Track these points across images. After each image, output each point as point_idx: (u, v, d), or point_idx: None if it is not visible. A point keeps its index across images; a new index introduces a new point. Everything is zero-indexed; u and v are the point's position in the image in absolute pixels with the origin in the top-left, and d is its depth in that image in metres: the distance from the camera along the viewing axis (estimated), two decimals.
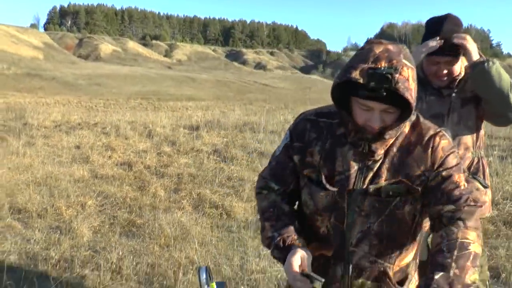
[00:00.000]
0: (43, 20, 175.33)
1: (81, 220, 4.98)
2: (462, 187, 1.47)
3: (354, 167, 1.51)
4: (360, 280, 1.58)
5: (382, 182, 1.49)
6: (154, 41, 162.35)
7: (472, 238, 1.39)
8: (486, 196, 2.47)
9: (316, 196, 1.57)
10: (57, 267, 3.95)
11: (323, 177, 1.55)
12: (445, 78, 2.47)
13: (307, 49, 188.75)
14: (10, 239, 4.53)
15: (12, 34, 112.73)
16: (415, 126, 1.55)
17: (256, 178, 1.79)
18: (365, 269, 1.57)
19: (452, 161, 1.50)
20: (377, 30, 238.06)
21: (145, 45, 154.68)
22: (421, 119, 1.57)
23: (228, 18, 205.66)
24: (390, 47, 1.42)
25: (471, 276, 1.33)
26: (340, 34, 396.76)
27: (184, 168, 7.91)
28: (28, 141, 10.92)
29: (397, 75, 1.34)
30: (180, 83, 75.78)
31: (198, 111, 24.85)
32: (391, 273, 1.57)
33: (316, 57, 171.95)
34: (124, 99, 43.03)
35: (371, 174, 1.51)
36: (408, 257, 1.62)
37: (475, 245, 1.38)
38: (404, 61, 1.38)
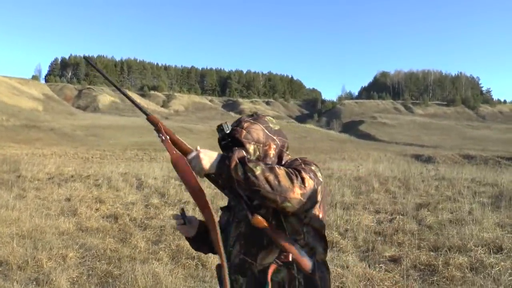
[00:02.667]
0: (44, 72, 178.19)
1: (59, 271, 5.09)
2: None
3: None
4: (235, 276, 1.90)
5: None
6: (152, 92, 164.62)
7: None
8: None
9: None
10: None
11: None
12: None
13: (302, 99, 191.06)
14: None
15: (14, 85, 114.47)
16: None
17: None
18: (237, 266, 1.91)
19: None
20: (370, 78, 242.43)
21: (143, 95, 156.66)
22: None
23: (225, 69, 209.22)
24: None
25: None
26: (335, 83, 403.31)
27: (168, 220, 8.05)
28: (19, 193, 11.08)
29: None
30: (177, 133, 75.35)
31: None
32: (255, 270, 1.85)
33: (311, 106, 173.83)
34: (121, 150, 43.39)
35: None
36: (269, 258, 1.84)
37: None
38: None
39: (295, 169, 1.71)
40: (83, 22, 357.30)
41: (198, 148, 1.86)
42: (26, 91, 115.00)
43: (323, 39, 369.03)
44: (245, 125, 1.95)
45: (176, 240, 6.58)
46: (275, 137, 1.96)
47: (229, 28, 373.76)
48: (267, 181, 1.64)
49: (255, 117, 2.02)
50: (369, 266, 5.49)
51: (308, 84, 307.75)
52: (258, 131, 1.93)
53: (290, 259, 1.79)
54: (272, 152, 1.94)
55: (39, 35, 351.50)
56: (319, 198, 1.78)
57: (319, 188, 1.76)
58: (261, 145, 1.92)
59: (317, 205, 1.83)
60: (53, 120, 79.07)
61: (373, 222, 8.20)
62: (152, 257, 5.80)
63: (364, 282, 4.93)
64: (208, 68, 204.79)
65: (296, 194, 1.65)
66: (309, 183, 1.69)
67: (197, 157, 1.77)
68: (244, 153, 1.74)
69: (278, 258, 1.82)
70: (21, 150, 36.63)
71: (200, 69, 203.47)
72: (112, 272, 5.23)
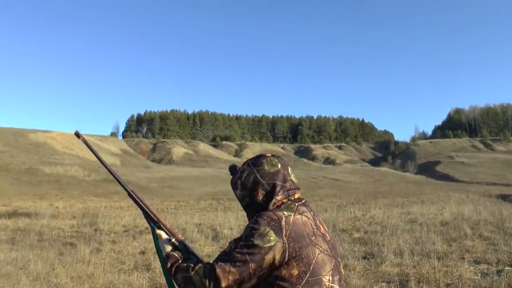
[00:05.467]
0: (122, 128, 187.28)
1: None
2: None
3: None
4: None
5: None
6: (224, 142, 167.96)
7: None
8: None
9: None
10: None
11: None
12: None
13: (374, 141, 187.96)
14: None
15: (95, 143, 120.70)
16: None
17: None
18: None
19: None
20: (444, 116, 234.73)
21: (215, 146, 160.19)
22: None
23: (296, 115, 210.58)
24: None
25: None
26: (407, 123, 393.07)
27: None
28: (96, 247, 11.01)
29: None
30: None
31: None
32: None
33: (384, 148, 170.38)
34: (195, 200, 43.70)
35: None
36: None
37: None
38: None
39: (210, 269, 1.78)
40: (157, 79, 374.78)
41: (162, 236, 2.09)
42: (106, 147, 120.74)
43: (392, 79, 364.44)
44: (240, 169, 2.08)
45: None
46: (264, 182, 1.99)
47: (298, 74, 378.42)
48: None
49: (254, 159, 2.08)
50: None
51: (380, 126, 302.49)
52: (248, 176, 2.02)
53: None
54: (260, 198, 1.98)
55: (117, 93, 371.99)
56: (265, 265, 1.77)
57: (267, 256, 1.77)
58: (248, 191, 2.01)
59: (280, 269, 1.79)
60: (130, 174, 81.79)
61: (477, 275, 7.20)
62: None
63: None
64: (279, 115, 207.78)
65: None
66: (227, 280, 1.75)
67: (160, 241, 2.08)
68: (176, 257, 1.94)
69: None
70: (100, 203, 37.71)
71: (271, 117, 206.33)
72: None
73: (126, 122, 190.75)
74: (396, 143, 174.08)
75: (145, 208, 2.18)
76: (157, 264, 8.39)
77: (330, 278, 1.84)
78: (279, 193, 1.98)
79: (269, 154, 2.10)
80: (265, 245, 1.77)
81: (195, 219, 17.06)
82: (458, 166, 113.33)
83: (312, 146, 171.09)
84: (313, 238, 1.87)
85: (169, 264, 1.93)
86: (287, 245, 1.79)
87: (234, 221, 15.91)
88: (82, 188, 60.94)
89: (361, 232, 11.74)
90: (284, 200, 1.98)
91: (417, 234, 10.82)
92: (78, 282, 7.23)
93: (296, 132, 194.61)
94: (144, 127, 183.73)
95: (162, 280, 7.25)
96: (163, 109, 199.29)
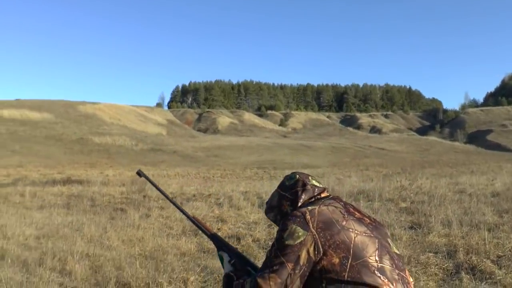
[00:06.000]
0: (167, 99, 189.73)
1: None
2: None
3: None
4: None
5: None
6: (269, 111, 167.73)
7: None
8: None
9: None
10: None
11: None
12: None
13: (422, 110, 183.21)
14: None
15: (141, 113, 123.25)
16: None
17: None
18: None
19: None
20: (497, 82, 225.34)
21: (260, 115, 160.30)
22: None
23: (341, 84, 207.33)
24: None
25: None
26: (457, 90, 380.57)
27: None
28: (145, 213, 11.33)
29: None
30: (295, 151, 76.60)
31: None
32: None
33: (432, 117, 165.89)
34: (241, 169, 44.09)
35: None
36: None
37: None
38: None
39: (253, 282, 1.82)
40: (202, 49, 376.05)
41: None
42: (152, 118, 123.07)
43: (442, 44, 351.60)
44: (270, 196, 2.24)
45: None
46: (287, 194, 2.11)
47: (343, 42, 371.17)
48: None
49: (280, 183, 2.21)
50: None
51: (428, 94, 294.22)
52: (274, 197, 2.18)
53: None
54: (286, 209, 2.09)
55: (162, 65, 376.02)
56: (302, 261, 1.79)
57: (301, 253, 1.80)
58: (276, 209, 2.14)
59: (320, 262, 1.80)
60: (176, 143, 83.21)
61: None
62: None
63: None
64: (324, 84, 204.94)
65: None
66: (269, 286, 1.77)
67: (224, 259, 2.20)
68: (231, 276, 2.04)
69: None
70: (147, 172, 38.56)
71: (316, 85, 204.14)
72: None
73: (172, 93, 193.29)
74: (445, 111, 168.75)
75: (210, 233, 2.31)
76: None
77: (377, 259, 1.81)
78: (302, 196, 2.07)
79: (290, 173, 2.25)
80: (295, 242, 1.81)
81: (241, 187, 17.21)
82: (511, 135, 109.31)
83: (358, 115, 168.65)
84: (344, 223, 1.87)
85: (225, 284, 2.06)
86: (317, 236, 1.82)
87: None
88: (130, 157, 62.54)
89: (408, 201, 11.56)
90: (311, 200, 2.06)
91: (466, 204, 10.55)
92: (129, 245, 7.51)
93: (341, 101, 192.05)
94: (189, 97, 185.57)
95: (210, 245, 7.42)
96: (208, 79, 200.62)
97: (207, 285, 5.44)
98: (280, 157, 64.91)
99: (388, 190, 13.88)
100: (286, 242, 1.83)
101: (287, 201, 2.10)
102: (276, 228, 2.05)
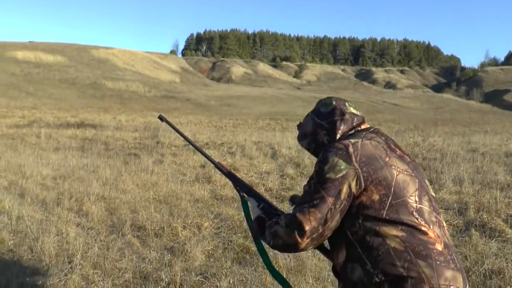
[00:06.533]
0: (181, 46, 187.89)
1: (194, 242, 4.90)
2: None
3: None
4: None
5: None
6: (284, 63, 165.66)
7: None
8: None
9: None
10: None
11: None
12: None
13: (439, 66, 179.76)
14: (128, 256, 4.59)
15: (154, 60, 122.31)
16: None
17: None
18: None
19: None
20: None
21: (275, 66, 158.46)
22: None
23: (358, 37, 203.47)
24: None
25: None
26: (477, 48, 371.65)
27: None
28: (158, 158, 11.46)
29: None
30: (309, 104, 75.99)
31: None
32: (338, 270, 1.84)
33: (449, 74, 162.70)
34: (253, 120, 44.06)
35: None
36: (341, 255, 1.80)
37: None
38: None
39: (291, 217, 1.74)
40: None
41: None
42: (165, 65, 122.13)
43: None
44: (302, 121, 2.10)
45: None
46: (323, 122, 1.98)
47: None
48: (278, 245, 1.80)
49: (314, 107, 2.08)
50: None
51: (446, 51, 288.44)
52: (308, 123, 2.04)
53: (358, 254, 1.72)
54: (323, 139, 1.98)
55: (177, 12, 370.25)
56: (343, 196, 1.71)
57: (342, 187, 1.71)
58: (310, 137, 2.02)
59: (360, 197, 1.72)
60: (189, 91, 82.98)
61: None
62: None
63: None
64: (341, 37, 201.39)
65: (302, 243, 1.72)
66: (310, 222, 1.69)
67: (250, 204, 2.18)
68: (262, 218, 1.98)
69: (347, 255, 1.76)
70: None
71: (333, 38, 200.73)
72: (249, 248, 4.87)
73: (186, 41, 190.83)
74: (463, 69, 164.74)
75: (234, 177, 2.25)
76: (217, 177, 8.69)
77: (417, 199, 1.75)
78: (340, 127, 1.94)
79: (324, 98, 2.10)
80: (337, 176, 1.72)
81: (254, 137, 17.25)
82: None
83: (374, 69, 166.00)
84: (387, 159, 1.78)
85: (257, 228, 1.98)
86: (359, 170, 1.72)
87: (292, 141, 16.03)
88: (143, 103, 62.60)
89: (420, 158, 11.57)
90: (351, 132, 1.93)
91: (478, 163, 10.52)
92: (143, 189, 7.65)
93: (357, 55, 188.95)
94: (204, 46, 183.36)
95: (223, 192, 7.54)
96: (223, 28, 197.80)
97: (221, 231, 5.56)
98: (293, 109, 64.55)
99: (400, 146, 13.83)
100: (327, 176, 1.73)
101: (323, 130, 1.98)
102: (307, 155, 2.04)
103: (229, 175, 2.28)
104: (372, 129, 1.95)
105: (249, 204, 2.17)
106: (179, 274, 4.07)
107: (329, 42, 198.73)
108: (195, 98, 72.83)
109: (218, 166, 2.30)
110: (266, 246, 1.99)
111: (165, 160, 11.14)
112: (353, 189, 1.72)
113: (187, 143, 2.43)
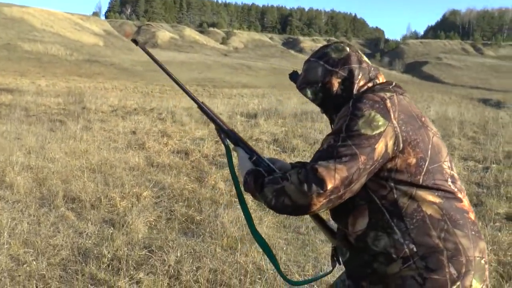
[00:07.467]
0: (104, 8, 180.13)
1: (136, 213, 4.59)
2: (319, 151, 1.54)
3: None
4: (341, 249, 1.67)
5: None
6: (211, 29, 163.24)
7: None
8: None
9: None
10: (110, 267, 3.57)
11: None
12: None
13: (365, 38, 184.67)
14: (63, 232, 4.20)
15: (76, 21, 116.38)
16: None
17: None
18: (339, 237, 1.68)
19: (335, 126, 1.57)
20: (438, 17, 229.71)
21: (202, 32, 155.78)
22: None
23: (286, 6, 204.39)
24: None
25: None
26: (400, 22, 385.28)
27: None
28: (85, 125, 10.87)
29: None
30: (236, 71, 75.86)
31: (254, 99, 24.47)
32: (351, 240, 1.58)
33: (374, 45, 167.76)
34: None
35: None
36: (360, 223, 1.55)
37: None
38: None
39: (309, 171, 1.45)
40: None
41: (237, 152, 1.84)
42: (88, 27, 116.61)
43: None
44: (304, 67, 1.76)
45: None
46: (338, 69, 1.66)
47: None
48: (283, 205, 1.50)
49: (316, 53, 1.76)
50: (485, 226, 4.67)
51: (372, 23, 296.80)
52: (314, 70, 1.70)
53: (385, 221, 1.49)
54: (336, 87, 1.66)
55: None
56: (377, 156, 1.45)
57: (378, 145, 1.45)
58: (319, 84, 1.68)
59: (394, 159, 1.49)
60: (113, 55, 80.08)
61: (465, 170, 7.33)
62: (236, 201, 5.08)
63: (492, 246, 4.13)
64: (269, 5, 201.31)
65: (316, 204, 1.45)
66: (334, 179, 1.42)
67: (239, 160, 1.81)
68: (260, 172, 1.66)
69: (370, 222, 1.52)
70: (83, 84, 37.10)
71: (261, 6, 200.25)
72: (193, 217, 4.65)
73: (109, 2, 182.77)
74: (387, 41, 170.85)
75: (219, 122, 1.88)
76: (151, 143, 8.33)
77: (449, 165, 1.58)
78: (359, 76, 1.67)
79: (332, 42, 1.78)
80: (374, 132, 1.47)
81: (183, 103, 16.83)
82: (444, 67, 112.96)
83: (301, 38, 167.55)
84: (423, 119, 1.58)
85: (252, 182, 1.63)
86: (398, 128, 1.49)
87: (223, 107, 15.84)
88: (64, 67, 59.64)
89: None
90: (369, 85, 1.67)
91: None
92: (73, 157, 7.15)
93: (285, 23, 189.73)
94: (128, 8, 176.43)
95: (159, 159, 7.21)
96: None
97: (161, 200, 5.28)
98: (220, 75, 64.11)
99: None
100: (362, 131, 1.47)
101: (337, 78, 1.67)
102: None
103: (215, 120, 1.88)
104: (394, 83, 1.70)
105: (239, 154, 1.82)
106: (122, 249, 3.79)
107: (257, 9, 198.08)
108: (120, 62, 70.40)
109: (202, 106, 1.90)
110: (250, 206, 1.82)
111: (93, 126, 10.56)
112: (389, 150, 1.48)
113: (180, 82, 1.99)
